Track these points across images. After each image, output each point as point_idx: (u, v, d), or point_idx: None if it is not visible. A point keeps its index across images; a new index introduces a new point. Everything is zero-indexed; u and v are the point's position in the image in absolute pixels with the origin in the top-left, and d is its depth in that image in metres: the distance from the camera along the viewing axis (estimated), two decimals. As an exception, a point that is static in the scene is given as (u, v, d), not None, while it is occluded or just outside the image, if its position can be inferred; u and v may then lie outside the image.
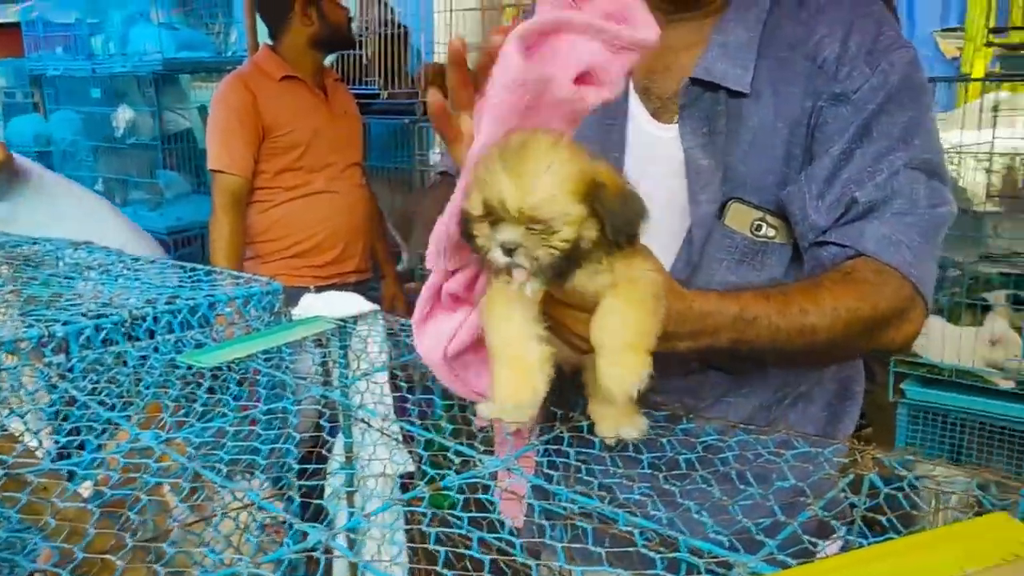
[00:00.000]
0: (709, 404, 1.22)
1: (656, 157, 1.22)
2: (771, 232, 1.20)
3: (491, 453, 1.11)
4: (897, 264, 1.12)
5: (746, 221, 1.19)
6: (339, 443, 1.57)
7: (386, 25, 3.87)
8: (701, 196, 1.19)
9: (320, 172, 3.18)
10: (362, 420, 1.47)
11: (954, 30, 7.59)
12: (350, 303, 1.59)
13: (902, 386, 2.78)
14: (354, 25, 3.99)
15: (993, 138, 3.27)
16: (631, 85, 1.27)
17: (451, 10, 3.95)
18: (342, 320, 1.54)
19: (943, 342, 2.74)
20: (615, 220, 0.92)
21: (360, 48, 3.90)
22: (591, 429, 1.08)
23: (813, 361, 1.22)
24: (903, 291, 1.13)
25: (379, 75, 3.88)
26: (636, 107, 1.26)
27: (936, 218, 1.15)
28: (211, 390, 1.31)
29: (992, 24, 2.69)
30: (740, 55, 1.20)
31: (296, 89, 3.17)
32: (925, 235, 1.14)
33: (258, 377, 1.35)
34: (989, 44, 2.62)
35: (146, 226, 4.56)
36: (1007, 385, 2.61)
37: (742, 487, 0.97)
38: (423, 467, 0.99)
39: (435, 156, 4.13)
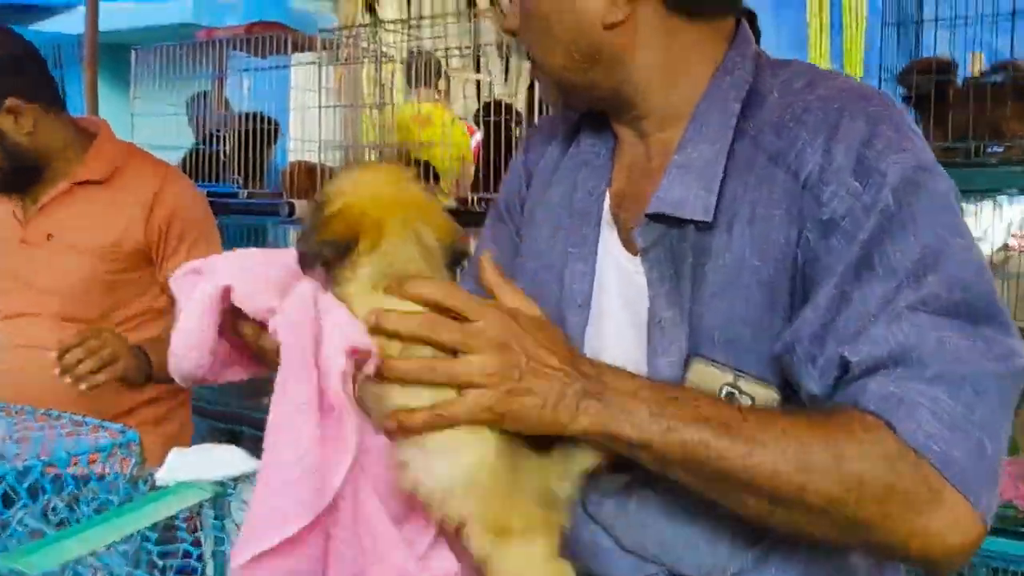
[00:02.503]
0: None
1: (628, 293, 1.01)
2: (746, 401, 0.93)
3: None
4: (903, 430, 0.82)
5: (712, 387, 0.94)
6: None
7: (247, 120, 3.60)
8: (661, 359, 0.96)
9: (12, 320, 2.10)
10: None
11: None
12: (228, 459, 1.29)
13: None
14: (213, 120, 3.71)
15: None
16: (606, 208, 1.06)
17: (309, 107, 3.74)
18: (220, 483, 1.23)
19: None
20: (305, 227, 0.96)
21: (218, 143, 3.61)
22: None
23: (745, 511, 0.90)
24: (904, 465, 0.81)
25: (239, 172, 3.60)
26: (608, 234, 1.06)
27: (987, 372, 0.83)
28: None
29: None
30: (704, 175, 0.96)
31: None
32: (960, 396, 0.82)
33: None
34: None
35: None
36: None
37: None
38: None
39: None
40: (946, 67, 2.36)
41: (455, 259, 0.97)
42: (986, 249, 3.90)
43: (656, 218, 0.98)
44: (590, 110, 1.11)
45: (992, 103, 2.22)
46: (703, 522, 0.95)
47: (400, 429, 0.87)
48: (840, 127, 0.90)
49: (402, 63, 3.78)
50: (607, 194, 1.07)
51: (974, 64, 3.38)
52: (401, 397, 0.88)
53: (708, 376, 0.94)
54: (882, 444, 0.82)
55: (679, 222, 0.97)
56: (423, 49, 3.72)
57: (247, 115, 3.67)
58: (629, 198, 1.05)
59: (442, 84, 3.93)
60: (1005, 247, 3.99)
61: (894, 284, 0.86)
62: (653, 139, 1.05)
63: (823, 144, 0.90)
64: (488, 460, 0.87)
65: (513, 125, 3.30)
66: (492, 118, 3.24)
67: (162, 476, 1.25)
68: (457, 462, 0.87)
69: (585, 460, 0.91)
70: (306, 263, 0.93)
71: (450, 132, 3.69)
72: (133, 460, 1.30)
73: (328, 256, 0.93)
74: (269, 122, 3.68)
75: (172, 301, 1.01)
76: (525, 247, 1.16)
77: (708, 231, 0.96)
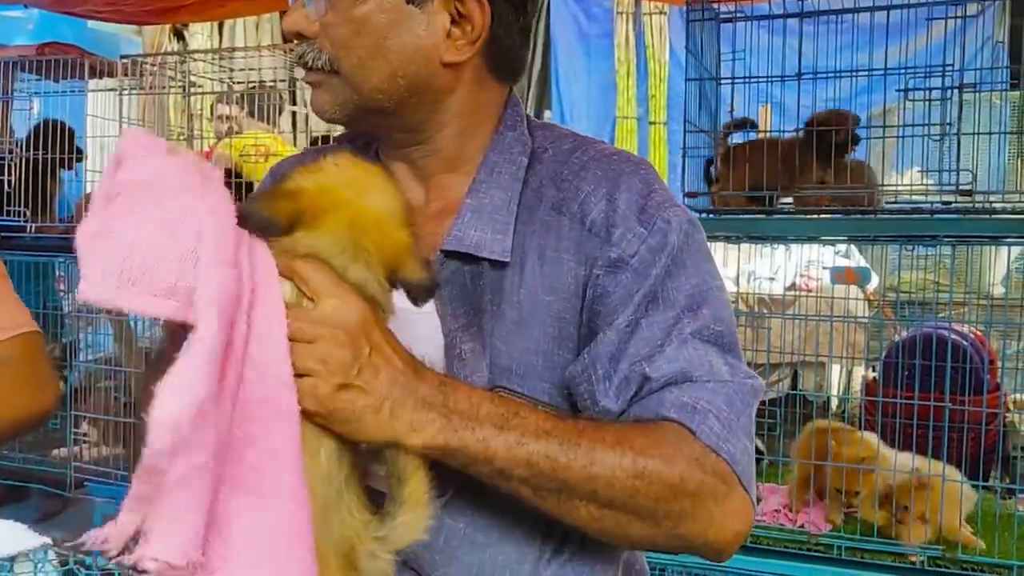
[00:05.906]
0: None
1: (416, 337, 0.98)
2: None
3: None
4: (701, 433, 0.93)
5: None
6: None
7: (45, 128, 3.32)
8: None
9: None
10: None
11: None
12: (5, 537, 1.16)
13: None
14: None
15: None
16: None
17: (108, 136, 3.49)
18: (-6, 565, 1.10)
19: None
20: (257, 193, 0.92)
21: (3, 173, 3.30)
22: None
23: (594, 523, 0.94)
24: (708, 463, 0.92)
25: (25, 205, 3.30)
26: None
27: (743, 389, 0.98)
28: None
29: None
30: (498, 218, 1.03)
31: None
32: (732, 406, 0.96)
33: None
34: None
35: None
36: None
37: None
38: None
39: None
40: (752, 125, 2.57)
41: (392, 283, 0.93)
42: (777, 288, 4.23)
43: (451, 255, 1.02)
44: (366, 138, 1.12)
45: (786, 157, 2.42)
46: (508, 547, 1.01)
47: None
48: (620, 182, 1.03)
49: (224, 95, 3.61)
50: None
51: (764, 116, 3.68)
52: None
53: None
54: (690, 446, 0.93)
55: (473, 260, 1.02)
56: (264, 81, 3.58)
57: (45, 122, 3.39)
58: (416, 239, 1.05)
59: (285, 119, 3.79)
60: (793, 286, 4.34)
61: (672, 314, 0.99)
62: (434, 182, 1.08)
63: (605, 195, 1.02)
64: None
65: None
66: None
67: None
68: None
69: (409, 534, 0.88)
70: (248, 222, 0.85)
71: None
72: None
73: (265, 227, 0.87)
74: (70, 133, 3.39)
75: None
76: None
77: (502, 270, 1.02)
